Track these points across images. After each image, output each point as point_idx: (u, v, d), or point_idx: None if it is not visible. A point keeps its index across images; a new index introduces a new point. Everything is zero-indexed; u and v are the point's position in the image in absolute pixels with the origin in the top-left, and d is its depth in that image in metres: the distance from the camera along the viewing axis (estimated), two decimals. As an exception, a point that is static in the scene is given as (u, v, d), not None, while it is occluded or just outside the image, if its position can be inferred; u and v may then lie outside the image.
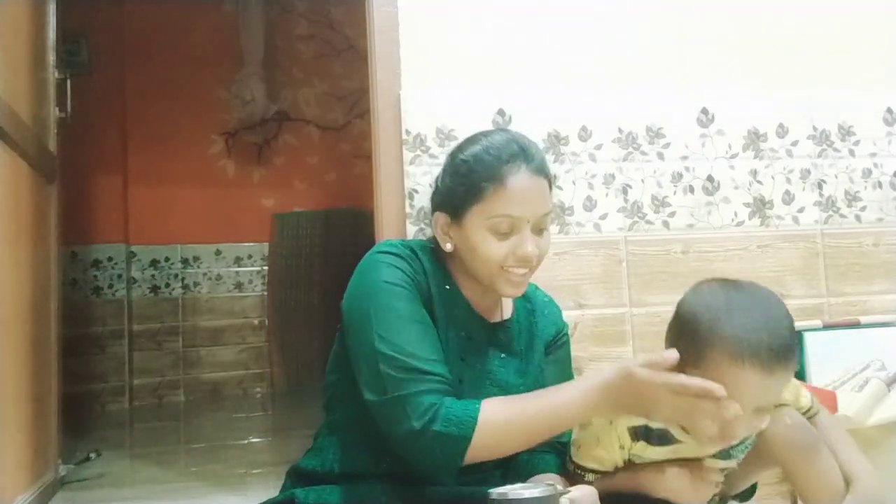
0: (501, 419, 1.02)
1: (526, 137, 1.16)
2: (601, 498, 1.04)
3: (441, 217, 1.15)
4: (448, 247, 1.14)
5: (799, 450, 1.10)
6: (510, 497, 0.86)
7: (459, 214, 1.12)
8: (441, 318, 1.14)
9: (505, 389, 1.16)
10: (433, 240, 1.20)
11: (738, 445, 1.12)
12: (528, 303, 1.27)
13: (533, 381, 1.20)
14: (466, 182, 1.10)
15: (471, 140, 1.17)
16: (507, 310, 1.24)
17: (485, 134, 1.17)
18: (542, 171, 1.12)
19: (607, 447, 1.13)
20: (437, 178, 1.19)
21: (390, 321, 1.05)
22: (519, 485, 0.90)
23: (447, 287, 1.16)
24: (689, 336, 1.01)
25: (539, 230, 1.12)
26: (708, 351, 0.98)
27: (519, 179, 1.08)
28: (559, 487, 0.91)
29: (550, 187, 1.14)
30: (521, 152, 1.10)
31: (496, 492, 0.88)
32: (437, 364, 1.05)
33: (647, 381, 0.95)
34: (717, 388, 0.90)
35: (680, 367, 0.97)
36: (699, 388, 0.91)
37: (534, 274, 1.16)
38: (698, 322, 1.00)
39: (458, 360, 1.13)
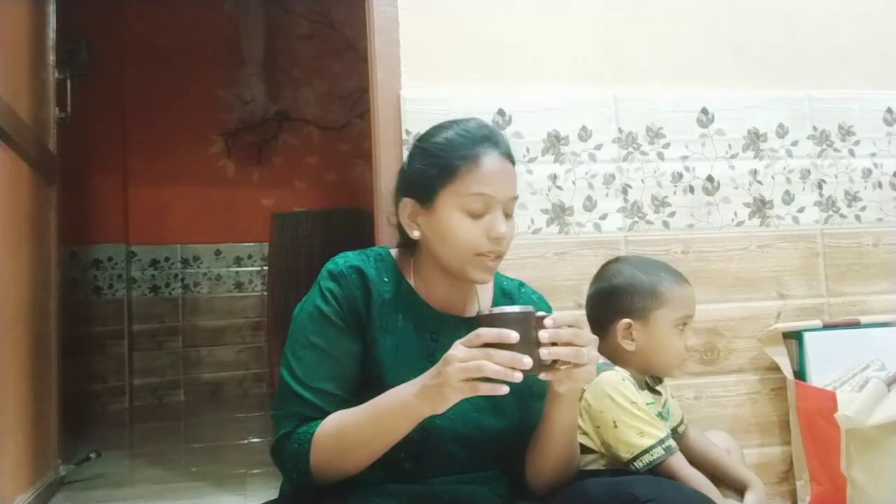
0: (332, 429, 1.04)
1: (491, 124, 1.19)
2: None
3: (409, 203, 1.14)
4: (416, 234, 1.14)
5: None
6: (494, 312, 0.94)
7: (430, 197, 1.11)
8: (399, 324, 1.14)
9: None
10: (400, 235, 1.20)
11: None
12: (509, 299, 1.25)
13: None
14: (439, 163, 1.11)
15: (439, 126, 1.18)
16: (484, 303, 1.22)
17: (453, 120, 1.19)
18: (509, 155, 1.15)
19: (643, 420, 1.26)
20: (403, 165, 1.19)
21: (295, 346, 1.11)
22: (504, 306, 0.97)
23: (403, 291, 1.16)
24: (636, 296, 1.35)
25: (507, 215, 1.13)
26: (659, 294, 1.34)
27: (491, 160, 1.10)
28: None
29: (515, 173, 1.16)
30: (491, 135, 1.13)
31: (482, 312, 0.96)
32: (315, 392, 1.07)
33: (448, 351, 0.94)
34: (511, 334, 0.91)
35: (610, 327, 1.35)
36: (494, 336, 0.91)
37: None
38: (640, 284, 1.36)
39: (424, 363, 1.12)
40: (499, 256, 1.13)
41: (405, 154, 1.65)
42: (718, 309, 1.77)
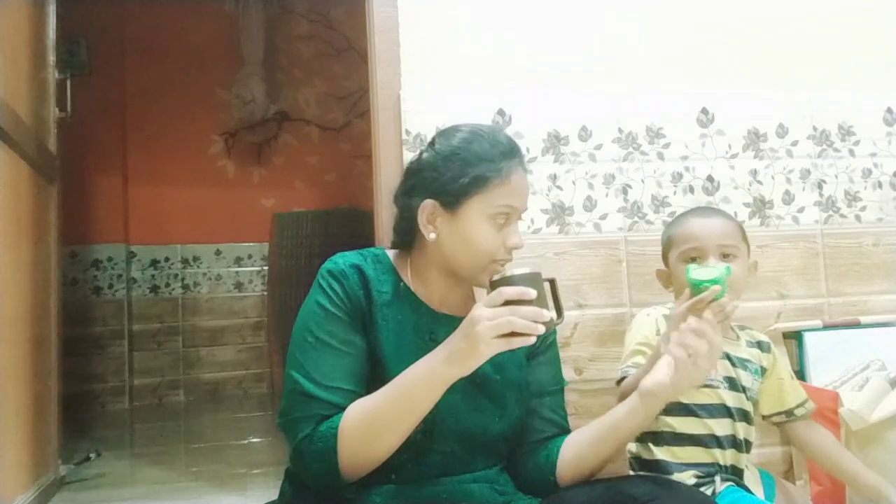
0: (358, 415, 1.04)
1: (509, 135, 1.21)
2: None
3: (430, 205, 1.14)
4: (432, 236, 1.14)
5: None
6: (507, 274, 1.02)
7: (457, 203, 1.12)
8: (395, 323, 1.14)
9: (481, 385, 1.15)
10: (395, 236, 1.21)
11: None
12: None
13: (514, 375, 1.19)
14: (471, 172, 1.11)
15: (460, 130, 1.17)
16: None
17: (476, 126, 1.19)
18: (527, 168, 1.20)
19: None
20: (423, 167, 1.17)
21: (304, 345, 1.10)
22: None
23: (401, 292, 1.17)
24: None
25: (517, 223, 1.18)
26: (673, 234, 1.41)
27: (518, 174, 1.14)
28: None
29: None
30: (517, 148, 1.17)
31: (494, 277, 1.04)
32: (332, 391, 1.06)
33: (472, 313, 0.99)
34: (530, 291, 0.97)
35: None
36: (515, 293, 0.97)
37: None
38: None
39: None
40: (506, 263, 1.15)
41: (405, 154, 1.65)
42: (718, 309, 1.76)
